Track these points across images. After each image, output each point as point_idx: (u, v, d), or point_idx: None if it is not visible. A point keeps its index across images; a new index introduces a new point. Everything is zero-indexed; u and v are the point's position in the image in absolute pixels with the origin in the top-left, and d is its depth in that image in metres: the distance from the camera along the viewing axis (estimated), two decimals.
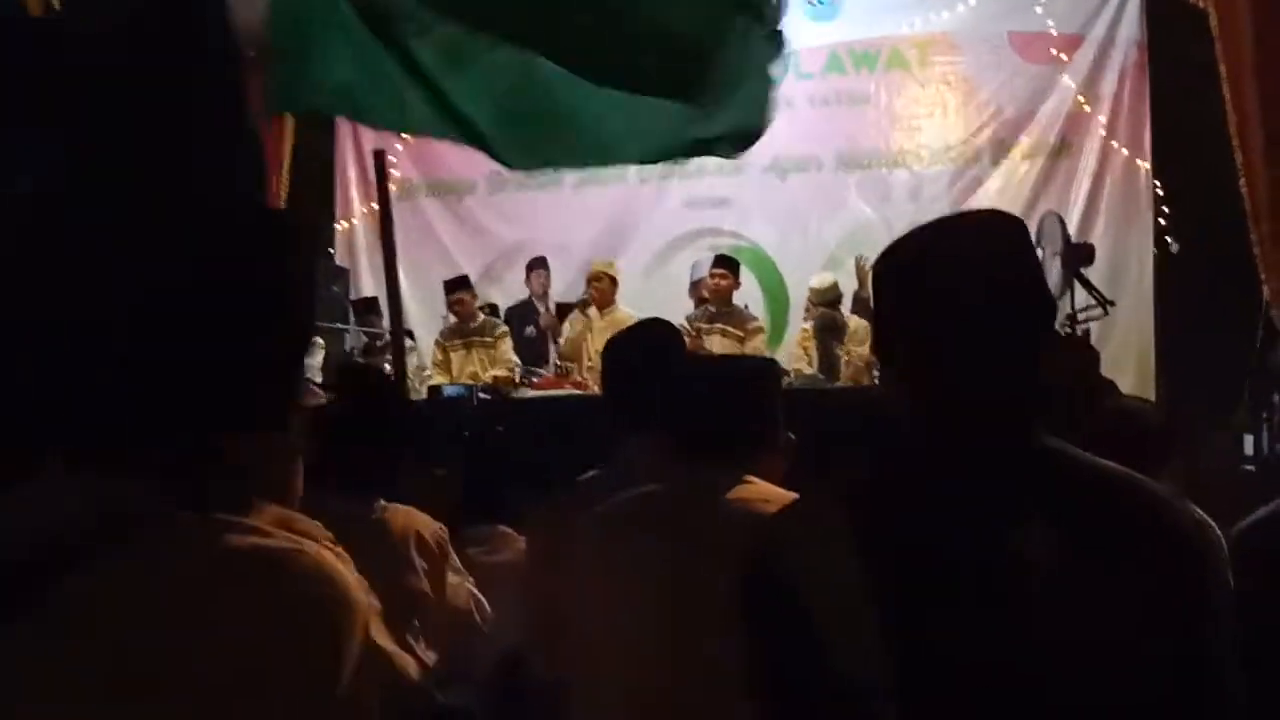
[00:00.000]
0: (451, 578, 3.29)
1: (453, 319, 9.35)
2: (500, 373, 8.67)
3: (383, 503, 3.18)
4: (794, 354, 8.97)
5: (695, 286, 9.28)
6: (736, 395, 2.63)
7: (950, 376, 1.59)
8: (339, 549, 1.38)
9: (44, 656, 1.24)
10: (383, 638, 1.39)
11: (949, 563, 1.52)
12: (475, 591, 3.40)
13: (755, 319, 8.93)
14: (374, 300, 9.64)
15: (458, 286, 9.34)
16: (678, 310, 8.51)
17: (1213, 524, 1.61)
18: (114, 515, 1.29)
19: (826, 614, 1.56)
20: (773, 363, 3.48)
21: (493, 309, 9.72)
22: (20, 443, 1.40)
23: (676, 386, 2.71)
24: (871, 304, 1.77)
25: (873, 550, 1.55)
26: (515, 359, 8.99)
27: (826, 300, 8.75)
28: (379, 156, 5.62)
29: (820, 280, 8.86)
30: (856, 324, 8.75)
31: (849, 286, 9.26)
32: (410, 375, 8.14)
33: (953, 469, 1.59)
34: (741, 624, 1.68)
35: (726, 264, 8.87)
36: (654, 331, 3.22)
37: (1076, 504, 1.56)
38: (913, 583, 1.53)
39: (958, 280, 1.58)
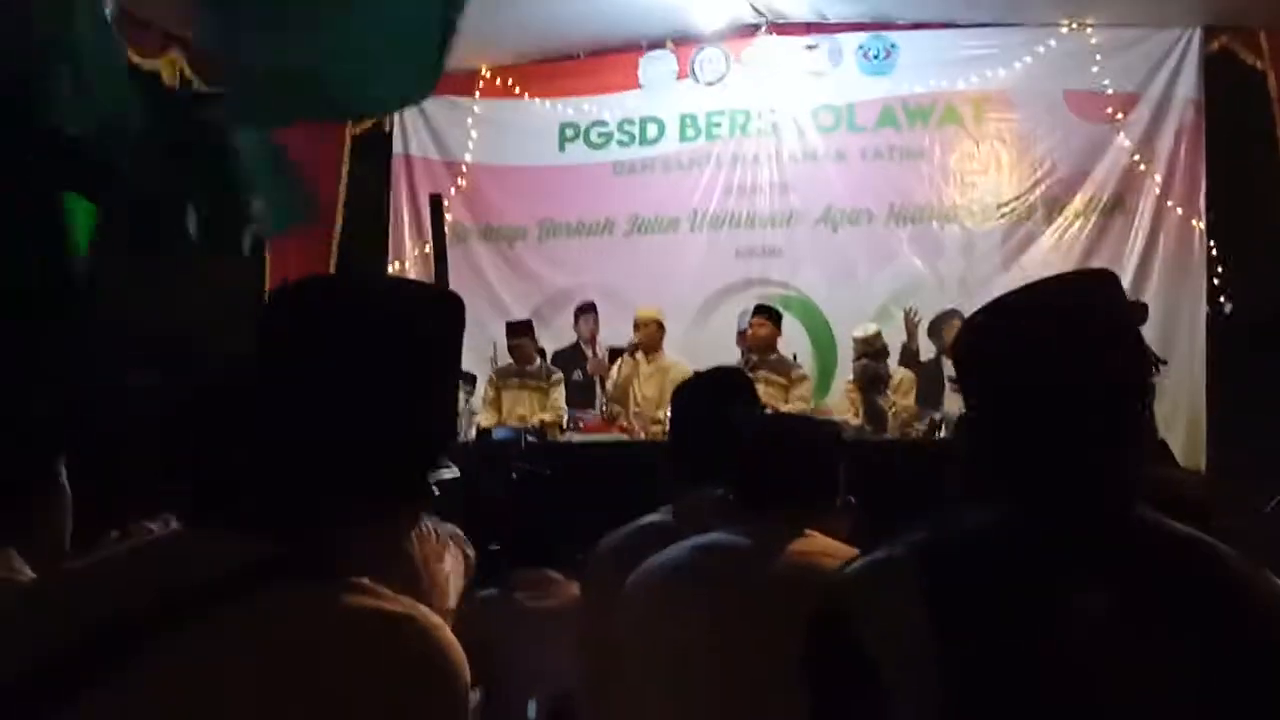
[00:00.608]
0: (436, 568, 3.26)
1: (505, 360, 9.39)
2: (548, 417, 8.70)
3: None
4: (840, 404, 8.95)
5: (742, 335, 9.29)
6: (802, 453, 2.64)
7: (1054, 440, 1.57)
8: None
9: (155, 706, 1.26)
10: None
11: (1027, 631, 1.51)
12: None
13: (800, 368, 8.92)
14: None
15: (520, 331, 9.39)
16: (726, 358, 8.50)
17: None
18: (239, 571, 1.31)
19: (893, 674, 1.54)
20: (837, 424, 3.49)
21: (540, 353, 9.76)
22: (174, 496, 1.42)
23: (744, 439, 2.71)
24: (954, 361, 1.75)
25: (948, 612, 1.54)
26: (565, 407, 9.02)
27: (871, 351, 8.73)
28: (435, 200, 5.69)
29: (864, 330, 8.85)
30: (902, 376, 8.74)
31: (897, 339, 9.25)
32: (460, 416, 8.19)
33: (1042, 535, 1.57)
34: (803, 680, 1.67)
35: (766, 313, 8.89)
36: (725, 380, 3.21)
37: (1164, 575, 1.54)
38: (990, 649, 1.51)
39: (1064, 341, 1.57)
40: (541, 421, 8.55)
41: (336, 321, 1.41)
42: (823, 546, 2.45)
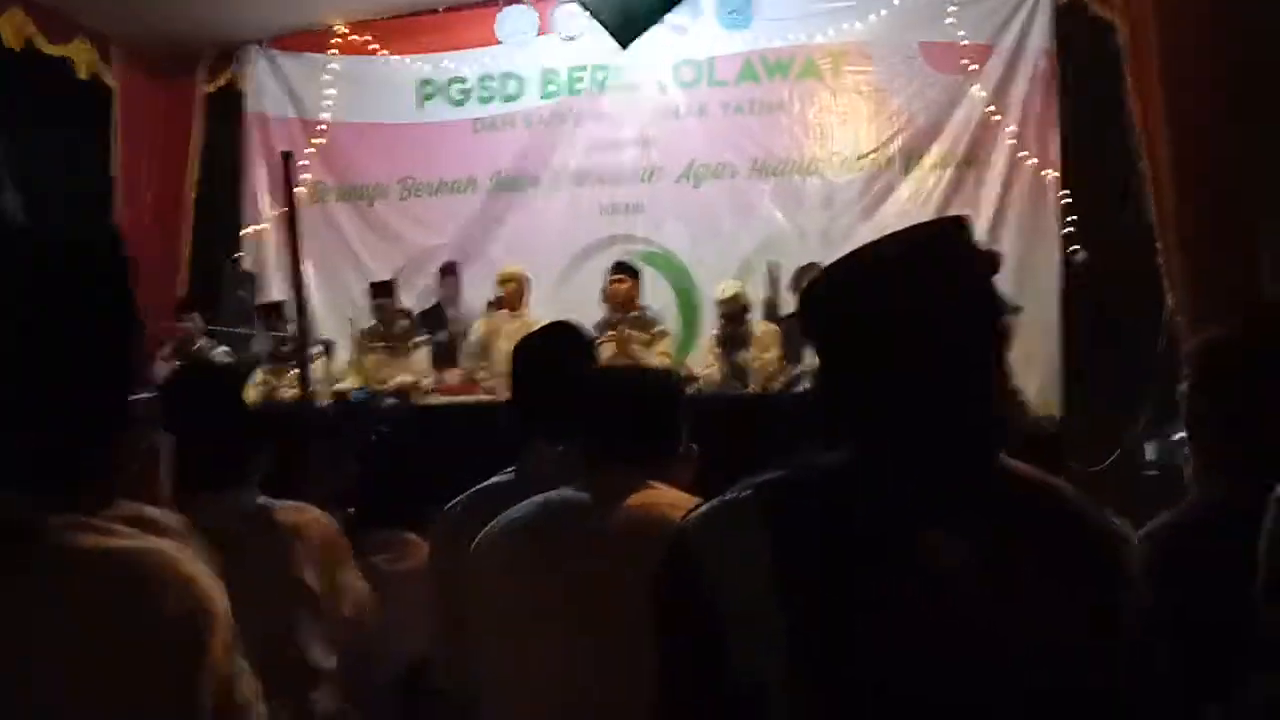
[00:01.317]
0: (347, 578, 3.22)
1: (370, 322, 9.27)
2: (409, 378, 8.62)
3: (264, 499, 3.12)
4: (705, 360, 9.00)
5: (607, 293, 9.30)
6: (640, 404, 2.64)
7: (902, 386, 1.57)
8: (192, 547, 1.37)
9: None
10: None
11: (868, 570, 1.51)
12: (365, 596, 3.33)
13: (661, 324, 8.97)
14: (280, 304, 9.53)
15: (382, 292, 9.27)
16: (592, 316, 8.50)
17: (1129, 532, 1.63)
18: None
19: (737, 613, 1.54)
20: (676, 373, 3.49)
21: (406, 314, 9.67)
22: None
23: (581, 394, 2.69)
24: (805, 314, 1.74)
25: (790, 550, 1.53)
26: (428, 368, 8.94)
27: (731, 310, 8.78)
28: (285, 157, 5.56)
29: (722, 290, 8.90)
30: (765, 329, 8.79)
31: (760, 293, 9.30)
32: (320, 380, 8.07)
33: (887, 476, 1.58)
34: (651, 628, 1.66)
35: (624, 269, 8.97)
36: (561, 335, 3.18)
37: (1009, 516, 1.56)
38: (831, 588, 1.52)
39: (911, 288, 1.57)
40: (400, 384, 8.46)
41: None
42: (664, 496, 2.45)
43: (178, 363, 8.00)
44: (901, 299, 1.57)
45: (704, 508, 1.67)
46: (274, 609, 2.85)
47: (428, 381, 8.78)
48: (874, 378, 1.59)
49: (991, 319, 1.62)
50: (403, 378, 8.68)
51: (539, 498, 2.57)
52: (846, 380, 1.65)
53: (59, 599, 1.26)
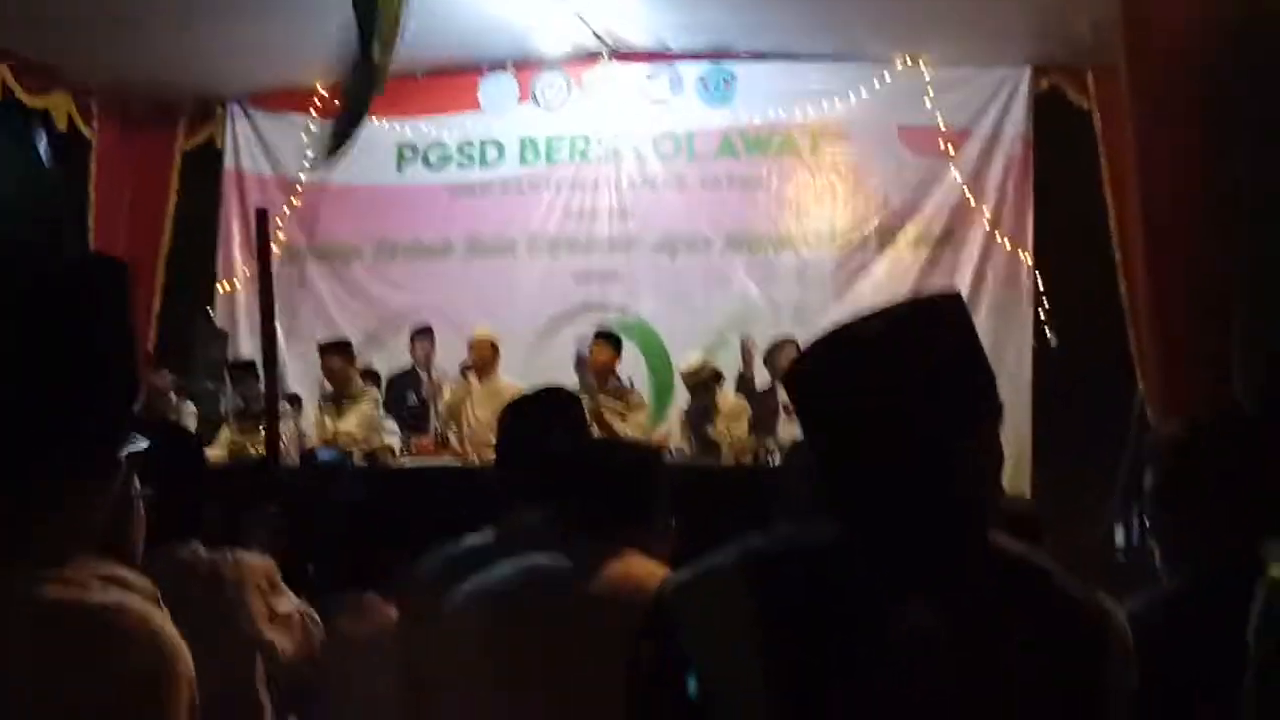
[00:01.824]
0: (281, 607, 3.17)
1: (328, 386, 9.17)
2: (351, 427, 8.53)
3: (203, 550, 3.07)
4: (675, 431, 8.95)
5: (580, 360, 9.25)
6: (624, 476, 2.63)
7: (890, 461, 1.54)
8: (160, 607, 1.33)
9: None
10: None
11: (850, 641, 1.48)
12: (307, 614, 3.27)
13: (638, 394, 8.93)
14: (251, 364, 9.44)
15: (331, 351, 9.09)
16: (563, 383, 8.39)
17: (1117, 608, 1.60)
18: None
19: (715, 681, 1.50)
20: (659, 448, 3.48)
21: (372, 375, 9.59)
22: None
23: (563, 461, 2.67)
24: (794, 389, 1.71)
25: (771, 618, 1.50)
26: (381, 420, 8.85)
27: (697, 381, 8.74)
28: (261, 215, 5.53)
29: (688, 364, 8.87)
30: (734, 403, 8.75)
31: (734, 365, 9.29)
32: (287, 441, 7.99)
33: (871, 549, 1.55)
34: (626, 695, 1.62)
35: (607, 338, 8.90)
36: (554, 401, 3.13)
37: (996, 591, 1.54)
38: (811, 658, 1.48)
39: (906, 368, 1.54)
40: (371, 449, 8.38)
41: None
42: (644, 567, 2.42)
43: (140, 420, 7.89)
44: (898, 375, 1.54)
45: (683, 573, 1.64)
46: (228, 661, 2.81)
47: (396, 443, 8.70)
48: (865, 454, 1.56)
49: (986, 395, 1.60)
50: (348, 428, 8.59)
51: (516, 562, 2.53)
52: (835, 455, 1.62)
53: (20, 651, 1.22)
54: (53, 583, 1.27)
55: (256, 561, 3.11)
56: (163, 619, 1.30)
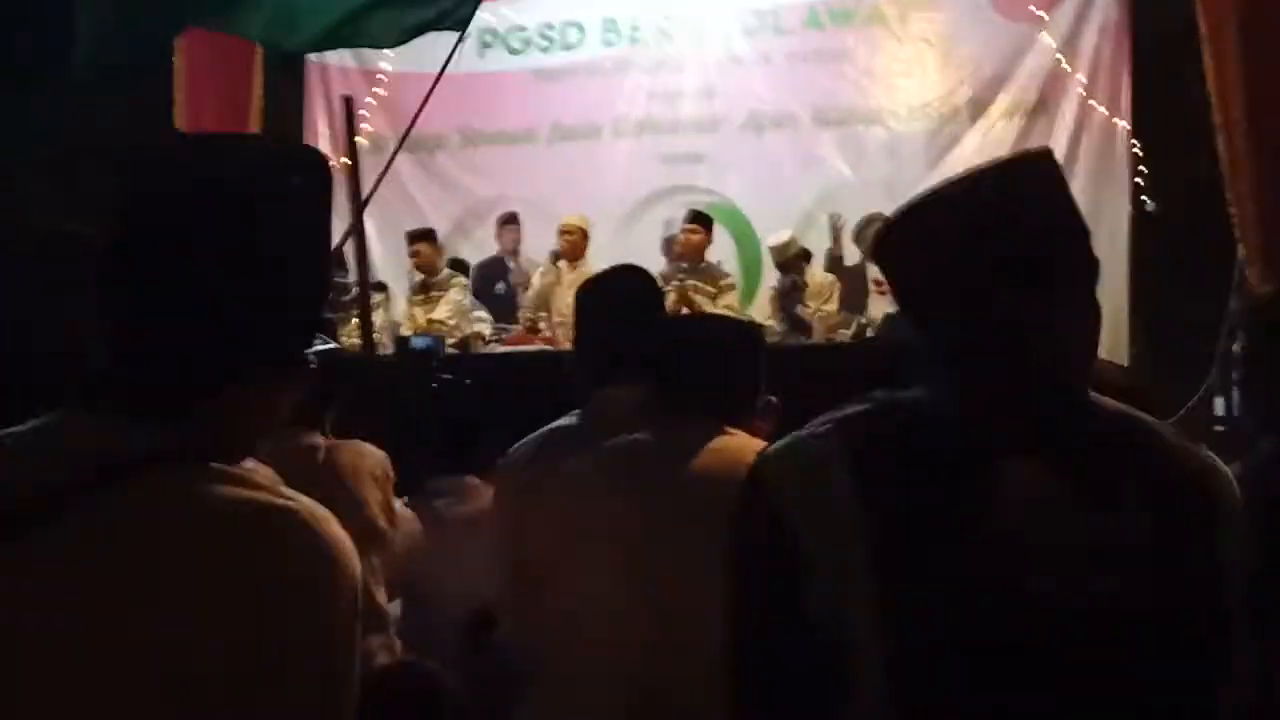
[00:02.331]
0: (400, 514, 3.22)
1: (417, 275, 9.26)
2: (443, 314, 8.60)
3: (325, 439, 3.10)
4: (766, 311, 8.91)
5: (668, 243, 9.22)
6: (720, 353, 2.59)
7: (968, 325, 1.52)
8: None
9: (28, 603, 1.20)
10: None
11: (955, 503, 1.46)
12: (416, 534, 3.33)
13: (728, 275, 8.86)
14: (339, 252, 9.54)
15: (417, 238, 9.25)
16: (652, 267, 8.39)
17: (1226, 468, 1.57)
18: (110, 461, 1.24)
19: (817, 547, 1.49)
20: (757, 325, 3.46)
21: (460, 264, 9.63)
22: (24, 386, 1.36)
23: (659, 339, 2.65)
24: (884, 259, 1.68)
25: (873, 483, 1.49)
26: (470, 307, 8.91)
27: (785, 258, 8.68)
28: (347, 103, 5.54)
29: (776, 238, 8.80)
30: (825, 280, 8.69)
31: (823, 243, 9.21)
32: (380, 329, 8.08)
33: (975, 410, 1.53)
34: (726, 571, 1.62)
35: (699, 219, 8.80)
36: (631, 279, 3.11)
37: (1102, 449, 1.51)
38: (916, 522, 1.47)
39: (995, 228, 1.51)
40: (463, 337, 8.44)
41: (189, 189, 1.33)
42: (743, 443, 2.40)
43: None
44: (989, 235, 1.51)
45: (782, 442, 1.63)
46: None
47: (487, 330, 8.75)
48: (959, 316, 1.53)
49: (1081, 251, 1.56)
50: (439, 316, 8.66)
51: (615, 441, 2.52)
52: (929, 320, 1.59)
53: (190, 544, 1.22)
54: (229, 483, 1.27)
55: (373, 453, 3.15)
56: (330, 519, 1.30)
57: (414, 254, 9.14)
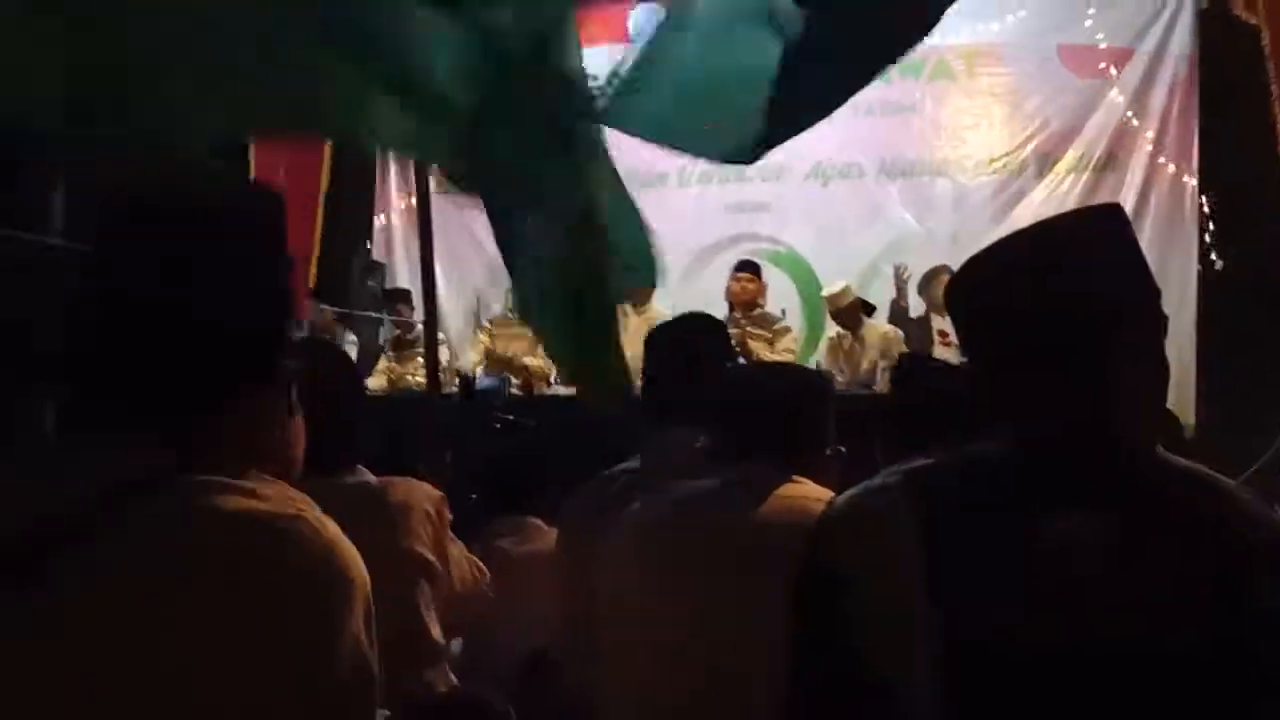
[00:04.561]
0: (453, 551, 3.23)
1: (490, 312, 9.33)
2: (534, 362, 8.64)
3: (372, 478, 3.12)
4: (826, 361, 8.89)
5: (730, 290, 9.24)
6: (790, 400, 2.60)
7: (1036, 377, 1.53)
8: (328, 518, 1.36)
9: (38, 627, 1.23)
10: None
11: (1020, 558, 1.47)
12: (472, 570, 3.34)
13: (783, 320, 8.85)
14: (406, 292, 9.67)
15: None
16: (714, 314, 8.41)
17: None
18: (112, 481, 1.28)
19: (882, 601, 1.50)
20: (827, 374, 3.47)
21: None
22: (27, 406, 1.41)
23: (728, 385, 2.66)
24: (949, 309, 1.70)
25: (939, 537, 1.50)
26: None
27: (838, 307, 8.66)
28: None
29: (830, 288, 8.79)
30: (887, 331, 8.66)
31: (886, 295, 9.19)
32: (443, 368, 8.14)
33: (1039, 464, 1.53)
34: (790, 620, 1.63)
35: (749, 268, 8.85)
36: (701, 325, 3.14)
37: (1168, 506, 1.51)
38: (981, 576, 1.47)
39: (1064, 281, 1.53)
40: (527, 370, 8.49)
41: (158, 224, 1.41)
42: (812, 490, 2.40)
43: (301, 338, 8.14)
44: (1058, 286, 1.53)
45: (850, 493, 1.65)
46: (392, 583, 2.86)
47: (553, 375, 8.79)
48: (1026, 366, 1.55)
49: (1149, 305, 1.57)
50: (530, 359, 8.71)
51: (682, 486, 2.52)
52: (995, 369, 1.60)
53: (196, 557, 1.25)
54: (231, 493, 1.30)
55: (425, 488, 3.17)
56: (337, 530, 1.34)
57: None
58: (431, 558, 3.11)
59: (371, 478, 3.11)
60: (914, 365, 3.68)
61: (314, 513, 1.33)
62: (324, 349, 4.27)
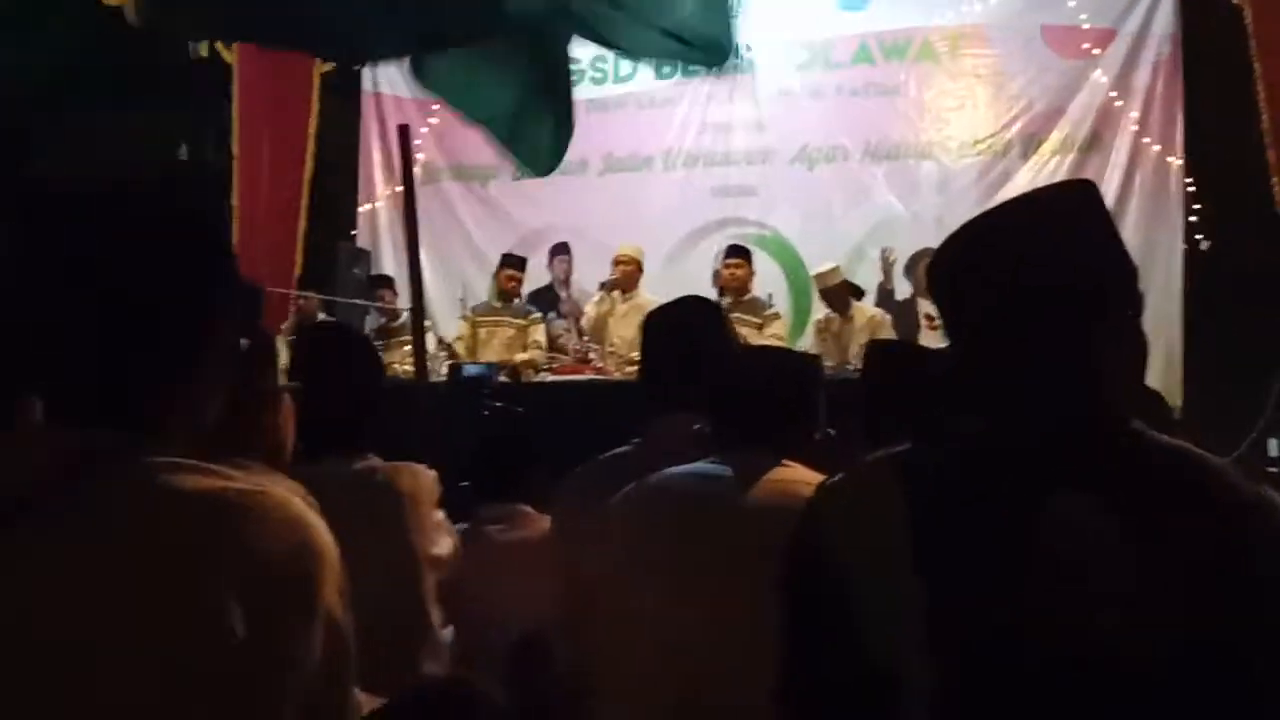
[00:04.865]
0: (441, 530, 3.22)
1: (476, 299, 9.32)
2: (527, 355, 8.64)
3: (373, 461, 3.11)
4: (814, 345, 8.90)
5: (718, 275, 9.24)
6: (783, 384, 2.61)
7: (1015, 356, 1.53)
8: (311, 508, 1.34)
9: (9, 607, 1.21)
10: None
11: (1006, 536, 1.47)
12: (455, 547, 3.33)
13: (772, 307, 8.84)
14: (390, 278, 9.66)
15: (515, 264, 9.34)
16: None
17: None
18: (73, 464, 1.26)
19: (868, 582, 1.51)
20: (817, 359, 3.48)
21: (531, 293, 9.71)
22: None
23: (721, 370, 2.66)
24: (930, 289, 1.71)
25: (925, 517, 1.50)
26: (544, 344, 8.96)
27: (828, 286, 8.65)
28: (403, 131, 5.59)
29: (821, 267, 8.79)
30: (875, 314, 8.66)
31: (873, 278, 9.20)
32: (429, 356, 8.14)
33: (1023, 442, 1.53)
34: (779, 604, 1.63)
35: (739, 253, 8.84)
36: (699, 309, 3.14)
37: (1150, 482, 1.50)
38: (967, 555, 1.47)
39: (1020, 258, 1.53)
40: (519, 362, 8.49)
41: (66, 205, 1.40)
42: (801, 475, 2.41)
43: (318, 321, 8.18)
44: (1042, 260, 1.53)
45: (837, 477, 1.65)
46: (390, 569, 2.85)
47: (543, 360, 8.79)
48: (1013, 343, 1.55)
49: (1125, 282, 1.57)
50: (521, 355, 8.71)
51: (679, 468, 2.53)
52: (976, 345, 1.60)
53: (151, 537, 1.24)
54: (192, 473, 1.29)
55: (428, 474, 3.16)
56: (302, 505, 1.32)
57: (510, 279, 9.25)
58: (438, 551, 3.10)
59: (377, 462, 3.10)
60: (881, 351, 3.68)
61: (279, 489, 1.31)
62: (338, 333, 4.26)
